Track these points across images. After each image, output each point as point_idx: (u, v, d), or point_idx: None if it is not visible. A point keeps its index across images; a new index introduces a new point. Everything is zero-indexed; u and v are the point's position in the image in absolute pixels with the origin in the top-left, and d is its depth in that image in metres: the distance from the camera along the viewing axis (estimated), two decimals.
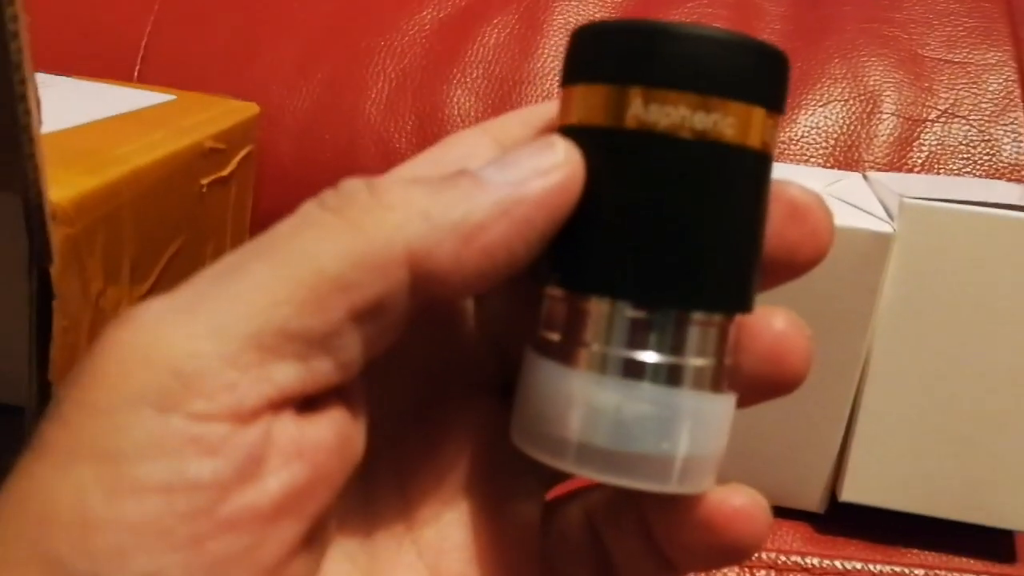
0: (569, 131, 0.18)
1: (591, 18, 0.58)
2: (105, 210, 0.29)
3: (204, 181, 0.40)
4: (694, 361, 0.17)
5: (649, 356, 0.17)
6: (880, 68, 0.53)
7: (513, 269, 0.17)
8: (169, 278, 0.36)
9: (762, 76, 0.17)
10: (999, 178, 0.50)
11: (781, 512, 0.40)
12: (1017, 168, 0.50)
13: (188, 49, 0.59)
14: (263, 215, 0.54)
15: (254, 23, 0.60)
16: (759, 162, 0.17)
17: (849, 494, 0.38)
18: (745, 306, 0.18)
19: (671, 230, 0.17)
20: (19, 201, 0.24)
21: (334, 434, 0.16)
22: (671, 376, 0.17)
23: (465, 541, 0.20)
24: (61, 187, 0.26)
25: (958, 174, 0.51)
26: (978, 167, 0.50)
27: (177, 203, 0.37)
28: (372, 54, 0.57)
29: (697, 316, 0.17)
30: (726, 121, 0.17)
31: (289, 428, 0.16)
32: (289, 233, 0.16)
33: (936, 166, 0.51)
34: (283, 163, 0.56)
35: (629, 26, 0.17)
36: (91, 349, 0.15)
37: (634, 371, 0.17)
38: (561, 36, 0.57)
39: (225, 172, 0.43)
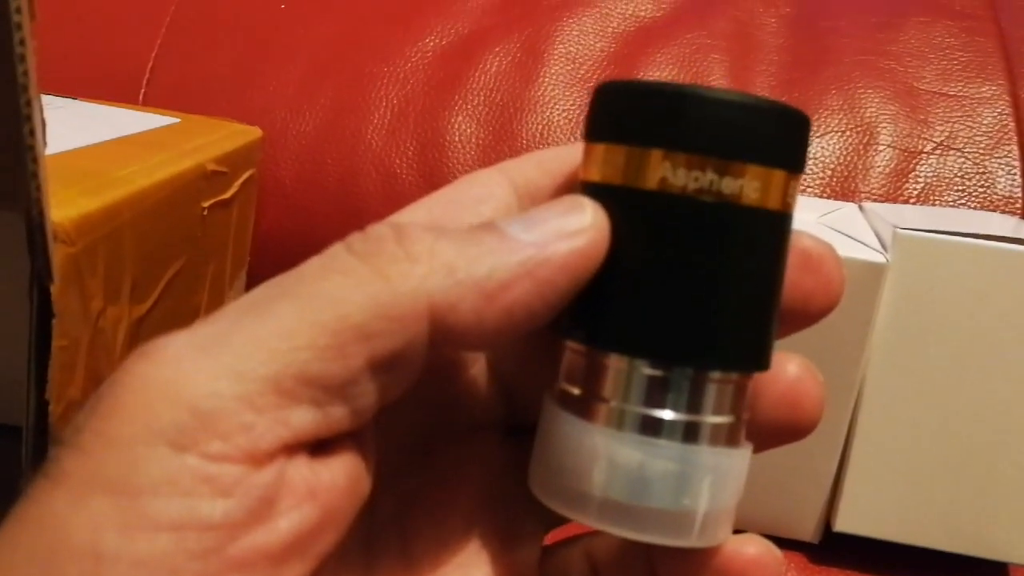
0: (591, 188, 0.18)
1: (591, 47, 0.59)
2: (106, 230, 0.29)
3: (206, 203, 0.40)
4: (712, 418, 0.18)
5: (667, 413, 0.17)
6: (876, 100, 0.54)
7: (532, 327, 0.17)
8: (169, 299, 0.36)
9: (783, 139, 0.17)
10: (994, 210, 0.50)
11: (775, 542, 0.39)
12: (1011, 200, 0.51)
13: (193, 73, 0.60)
14: (264, 238, 0.54)
15: (258, 49, 0.60)
16: (779, 223, 0.18)
17: (843, 524, 0.38)
18: (762, 364, 0.18)
19: (689, 291, 0.17)
20: (22, 220, 0.24)
21: (345, 475, 0.16)
22: (689, 433, 0.17)
23: None
24: (63, 207, 0.27)
25: (953, 206, 0.51)
26: (973, 199, 0.51)
27: (178, 224, 0.37)
28: (374, 80, 0.58)
29: (714, 375, 0.17)
30: (748, 185, 0.17)
31: (302, 469, 0.16)
32: (314, 275, 0.16)
33: (931, 198, 0.51)
34: (285, 187, 0.56)
35: (653, 88, 0.17)
36: (112, 379, 0.15)
37: (652, 428, 0.17)
38: (561, 64, 0.58)
39: (227, 195, 0.43)
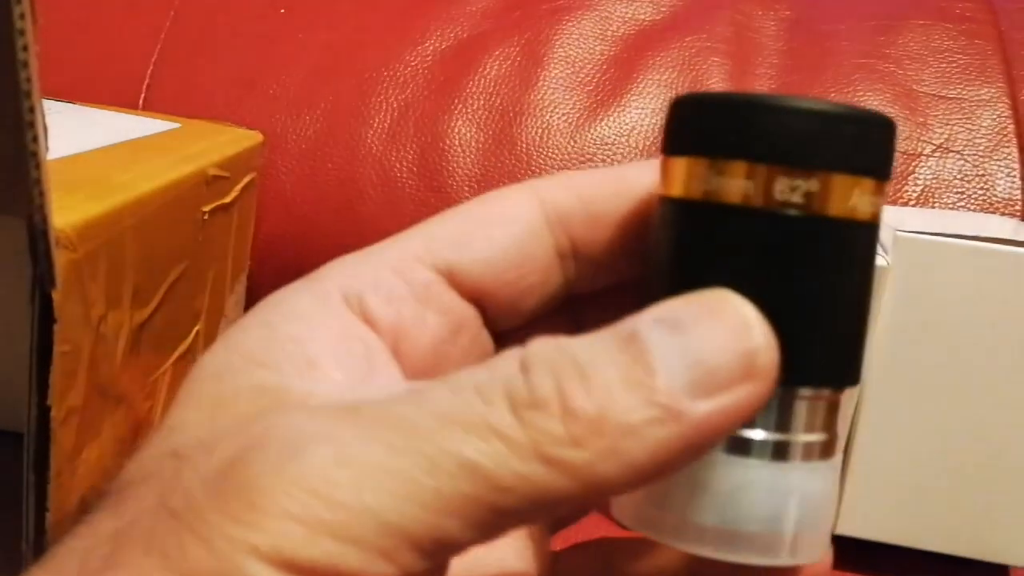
0: (671, 203, 0.18)
1: (590, 51, 0.59)
2: (108, 236, 0.29)
3: (206, 208, 0.40)
4: (803, 437, 0.17)
5: (758, 433, 0.17)
6: (876, 103, 0.54)
7: None
8: (170, 304, 0.36)
9: (870, 146, 0.17)
10: (993, 212, 0.51)
11: None
12: (1011, 203, 0.51)
13: (193, 78, 0.60)
14: (264, 242, 0.54)
15: (258, 53, 0.60)
16: (866, 234, 0.17)
17: (844, 528, 0.38)
18: (853, 379, 0.18)
19: (775, 307, 0.16)
20: (24, 226, 0.24)
21: None
22: (780, 452, 0.17)
23: None
24: (65, 213, 0.27)
25: (952, 208, 0.51)
26: (972, 201, 0.51)
27: (179, 229, 0.37)
28: (374, 84, 0.58)
29: (805, 392, 0.17)
30: (834, 195, 0.16)
31: None
32: (472, 422, 0.15)
33: (931, 200, 0.51)
34: (285, 191, 0.56)
35: (734, 99, 0.17)
36: (245, 451, 0.15)
37: (742, 448, 0.17)
38: (561, 68, 0.58)
39: (227, 199, 0.43)
